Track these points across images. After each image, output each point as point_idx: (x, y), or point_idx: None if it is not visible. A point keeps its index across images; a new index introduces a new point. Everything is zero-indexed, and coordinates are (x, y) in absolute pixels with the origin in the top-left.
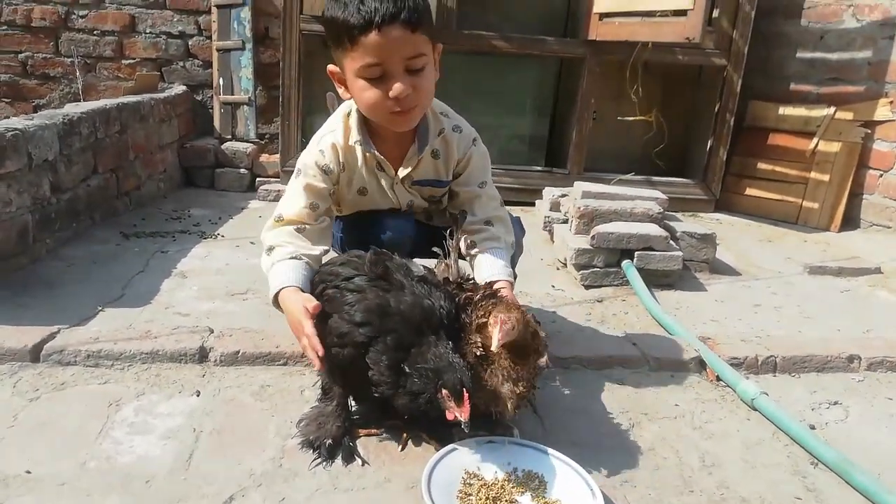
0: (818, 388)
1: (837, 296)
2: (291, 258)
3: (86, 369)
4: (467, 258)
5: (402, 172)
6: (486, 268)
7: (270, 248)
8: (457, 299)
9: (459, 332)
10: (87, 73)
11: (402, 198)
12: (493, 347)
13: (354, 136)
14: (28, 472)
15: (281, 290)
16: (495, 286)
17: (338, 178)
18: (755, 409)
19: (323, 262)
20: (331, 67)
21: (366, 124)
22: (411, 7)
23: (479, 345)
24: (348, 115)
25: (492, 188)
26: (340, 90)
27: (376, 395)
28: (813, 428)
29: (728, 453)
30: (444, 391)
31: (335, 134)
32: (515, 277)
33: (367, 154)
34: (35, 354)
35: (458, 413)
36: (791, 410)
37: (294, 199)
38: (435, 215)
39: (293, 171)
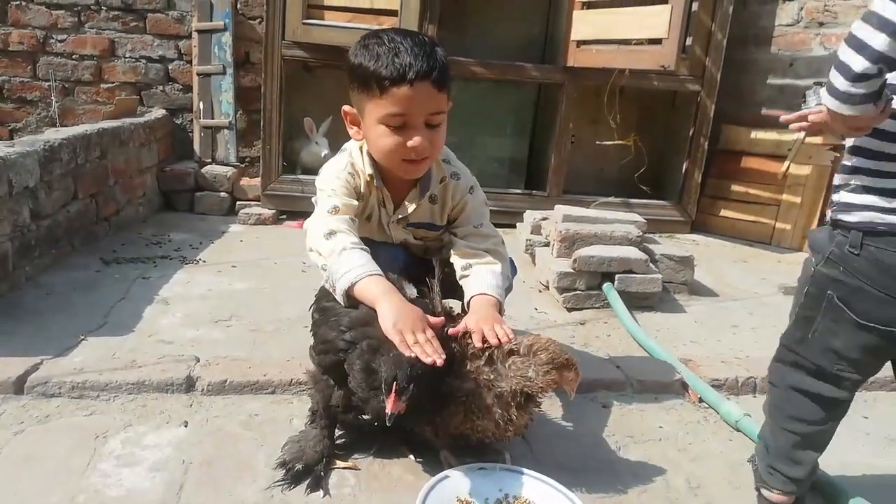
0: None
1: None
2: (364, 250)
3: (71, 401)
4: (460, 280)
5: (400, 214)
6: (476, 283)
7: (332, 232)
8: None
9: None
10: (65, 97)
11: (396, 235)
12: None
13: (368, 169)
14: None
15: (371, 275)
16: (478, 300)
17: (359, 199)
18: (739, 431)
19: None
20: (346, 108)
21: (374, 163)
22: (441, 67)
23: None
24: (360, 149)
25: (489, 228)
26: (352, 130)
27: (353, 405)
28: None
29: (713, 474)
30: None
31: (357, 161)
32: (502, 308)
33: (377, 188)
34: (19, 386)
35: (387, 404)
36: None
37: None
38: (430, 253)
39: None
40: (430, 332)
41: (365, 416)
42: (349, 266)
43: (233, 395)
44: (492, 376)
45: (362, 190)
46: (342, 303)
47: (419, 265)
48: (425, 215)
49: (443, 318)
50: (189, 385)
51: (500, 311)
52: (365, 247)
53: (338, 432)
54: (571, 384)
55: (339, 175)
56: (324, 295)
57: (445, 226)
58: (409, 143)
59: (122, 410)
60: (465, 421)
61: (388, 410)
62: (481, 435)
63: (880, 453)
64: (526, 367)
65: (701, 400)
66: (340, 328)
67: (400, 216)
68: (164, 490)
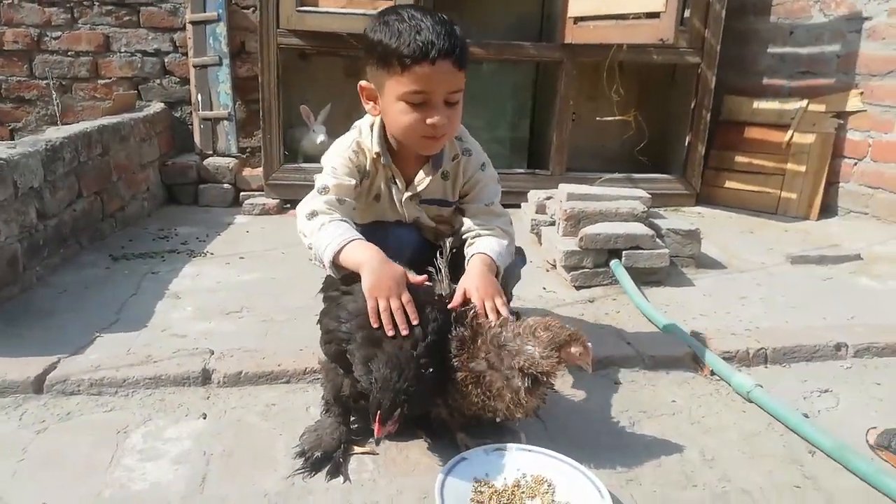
0: (808, 377)
1: (820, 284)
2: (343, 220)
3: (90, 398)
4: (466, 250)
5: (412, 190)
6: (477, 246)
7: (313, 213)
8: (453, 313)
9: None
10: (63, 94)
11: (409, 213)
12: (591, 370)
13: (376, 147)
14: None
15: (352, 241)
16: (476, 259)
17: (362, 179)
18: (751, 402)
19: None
20: (363, 84)
21: (385, 139)
22: (461, 47)
23: (530, 359)
24: (371, 126)
25: (499, 207)
26: (368, 106)
27: (363, 400)
28: (807, 416)
29: (727, 446)
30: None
31: (364, 139)
32: (499, 273)
33: (384, 166)
34: (38, 385)
35: (374, 429)
36: (785, 400)
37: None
38: (441, 236)
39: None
40: (406, 297)
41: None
42: (329, 238)
43: (248, 386)
44: (500, 358)
45: (367, 168)
46: (334, 275)
47: (429, 249)
48: (437, 191)
49: (424, 276)
50: (205, 378)
51: (498, 274)
52: (346, 219)
53: (353, 418)
54: (583, 359)
55: (341, 153)
56: (329, 284)
57: (457, 201)
58: (429, 121)
59: (140, 405)
60: (478, 402)
61: (376, 435)
62: (493, 415)
63: (893, 418)
64: (529, 349)
65: (713, 373)
66: (340, 319)
67: (412, 193)
68: (186, 482)
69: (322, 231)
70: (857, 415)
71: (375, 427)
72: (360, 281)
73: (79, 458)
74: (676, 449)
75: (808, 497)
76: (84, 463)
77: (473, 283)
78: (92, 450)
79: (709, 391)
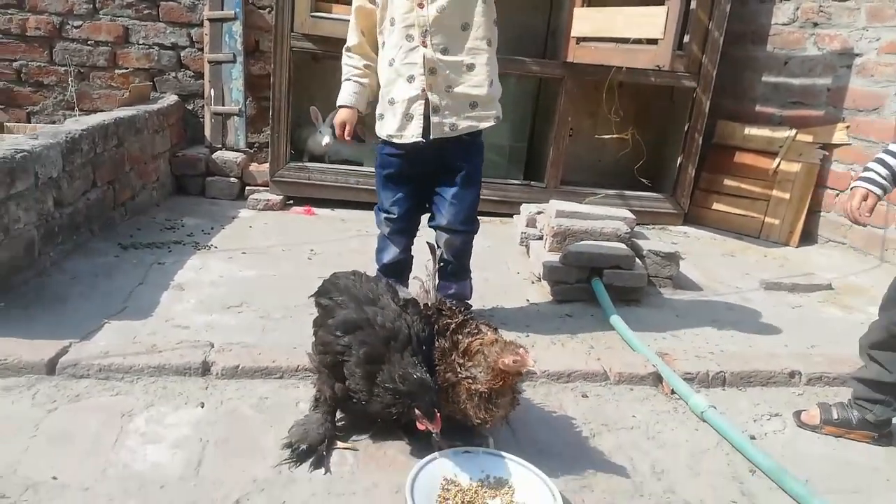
0: (761, 401)
1: (789, 311)
2: (346, 80)
3: (98, 382)
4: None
5: None
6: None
7: (344, 66)
8: (435, 326)
9: (434, 354)
10: (80, 81)
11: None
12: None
13: None
14: (54, 479)
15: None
16: None
17: None
18: (704, 421)
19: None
20: None
21: None
22: None
23: (474, 378)
24: None
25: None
26: None
27: (354, 400)
28: (753, 438)
29: (676, 461)
30: (416, 410)
31: None
32: None
33: None
34: (51, 367)
35: (431, 427)
36: (735, 422)
37: (351, 31)
38: (451, 47)
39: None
40: (348, 129)
41: (363, 403)
42: (342, 93)
43: (244, 379)
44: (463, 372)
45: None
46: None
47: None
48: None
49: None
50: (205, 369)
51: None
52: (348, 77)
53: (339, 415)
54: (519, 365)
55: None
56: (324, 292)
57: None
58: None
59: (144, 392)
60: (453, 408)
61: (436, 432)
62: (463, 418)
63: (832, 444)
64: (474, 371)
65: (673, 391)
66: (336, 333)
67: None
68: (184, 465)
69: (343, 84)
70: (802, 439)
71: (436, 425)
72: (350, 289)
73: (86, 437)
74: (630, 461)
75: None
76: (91, 442)
77: None
78: (98, 430)
79: (667, 409)
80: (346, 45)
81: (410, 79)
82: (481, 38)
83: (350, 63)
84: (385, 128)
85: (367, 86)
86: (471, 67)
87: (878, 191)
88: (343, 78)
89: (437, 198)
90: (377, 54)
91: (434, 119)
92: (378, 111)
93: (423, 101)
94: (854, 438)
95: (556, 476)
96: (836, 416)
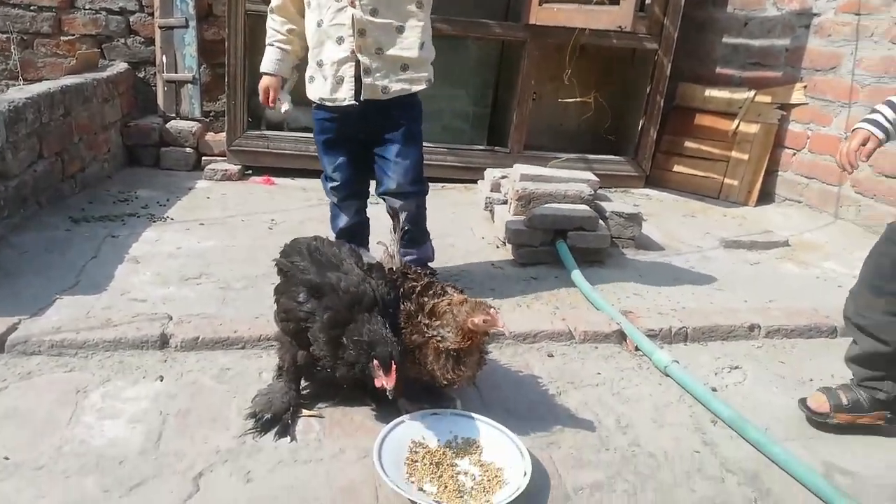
0: (722, 355)
1: (748, 269)
2: (269, 45)
3: (50, 358)
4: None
5: None
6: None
7: (268, 28)
8: (401, 289)
9: (399, 317)
10: (23, 49)
11: None
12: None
13: None
14: (6, 459)
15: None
16: None
17: None
18: (667, 376)
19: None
20: None
21: None
22: None
23: (442, 337)
24: None
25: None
26: None
27: (318, 368)
28: (714, 390)
29: (640, 415)
30: (374, 361)
31: None
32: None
33: None
34: None
35: (385, 382)
36: (697, 375)
37: None
38: (381, 9)
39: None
40: (272, 96)
41: (328, 370)
42: (265, 59)
43: (205, 350)
44: (430, 331)
45: None
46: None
47: (364, 171)
48: None
49: (273, 98)
50: (163, 342)
51: None
52: (271, 42)
53: (303, 384)
54: (489, 325)
55: None
56: (285, 255)
57: None
58: None
59: (100, 367)
60: (419, 370)
61: (389, 387)
62: (434, 381)
63: (790, 393)
64: (443, 331)
65: (637, 348)
66: (298, 300)
67: None
68: (143, 439)
69: (266, 49)
70: (761, 389)
71: (390, 381)
72: (313, 254)
73: (39, 415)
74: (596, 416)
75: (705, 460)
76: (44, 419)
77: None
78: (52, 407)
79: (632, 365)
80: (270, 5)
81: (339, 40)
82: (411, 0)
83: (273, 27)
84: (316, 91)
85: (291, 52)
86: (400, 29)
87: (881, 134)
88: (266, 42)
89: (379, 160)
90: (303, 16)
91: (366, 80)
92: (308, 73)
93: (354, 63)
94: (867, 423)
95: (523, 434)
96: (845, 402)
